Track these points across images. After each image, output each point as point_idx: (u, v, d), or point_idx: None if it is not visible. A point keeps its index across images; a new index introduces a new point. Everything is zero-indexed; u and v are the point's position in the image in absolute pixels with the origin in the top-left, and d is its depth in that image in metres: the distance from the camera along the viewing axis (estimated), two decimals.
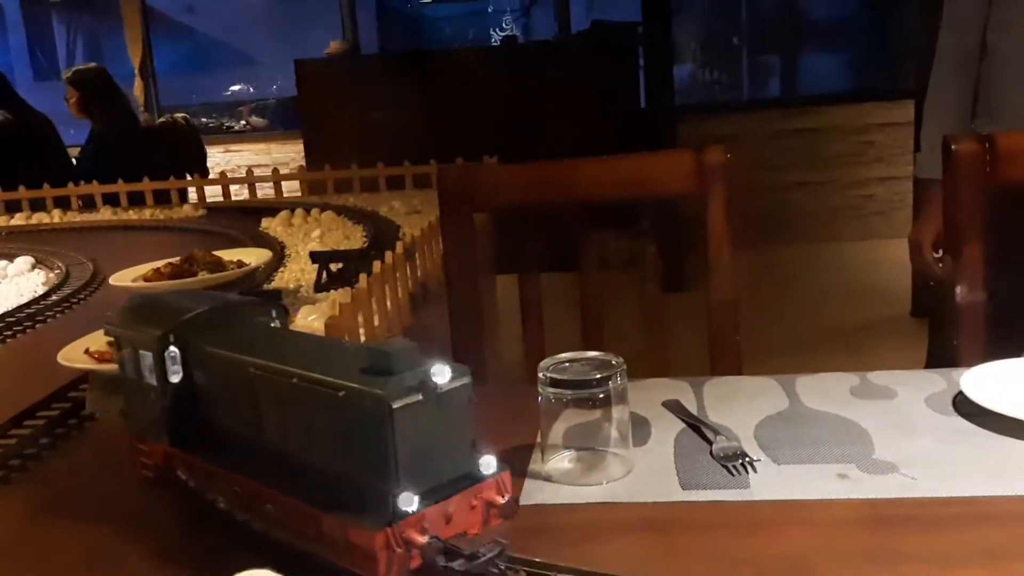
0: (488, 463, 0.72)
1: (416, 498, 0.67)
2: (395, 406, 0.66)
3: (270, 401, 0.77)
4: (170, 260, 1.58)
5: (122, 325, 0.90)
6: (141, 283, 1.54)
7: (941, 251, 1.81)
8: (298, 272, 2.11)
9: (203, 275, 1.48)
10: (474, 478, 0.71)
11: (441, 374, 0.69)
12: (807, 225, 5.85)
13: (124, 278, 1.57)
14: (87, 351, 1.15)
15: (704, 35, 7.06)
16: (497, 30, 7.30)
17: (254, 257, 1.58)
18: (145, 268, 1.59)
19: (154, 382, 0.85)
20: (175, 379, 0.85)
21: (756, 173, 5.62)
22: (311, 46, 6.11)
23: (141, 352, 0.85)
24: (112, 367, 1.03)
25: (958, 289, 1.39)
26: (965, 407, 1.00)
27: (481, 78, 5.48)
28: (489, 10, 7.38)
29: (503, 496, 0.72)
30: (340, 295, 1.74)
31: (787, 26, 6.96)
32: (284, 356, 0.78)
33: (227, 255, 1.57)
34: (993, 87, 1.77)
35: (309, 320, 1.69)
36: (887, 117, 5.68)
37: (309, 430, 0.74)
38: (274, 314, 0.90)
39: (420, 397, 0.67)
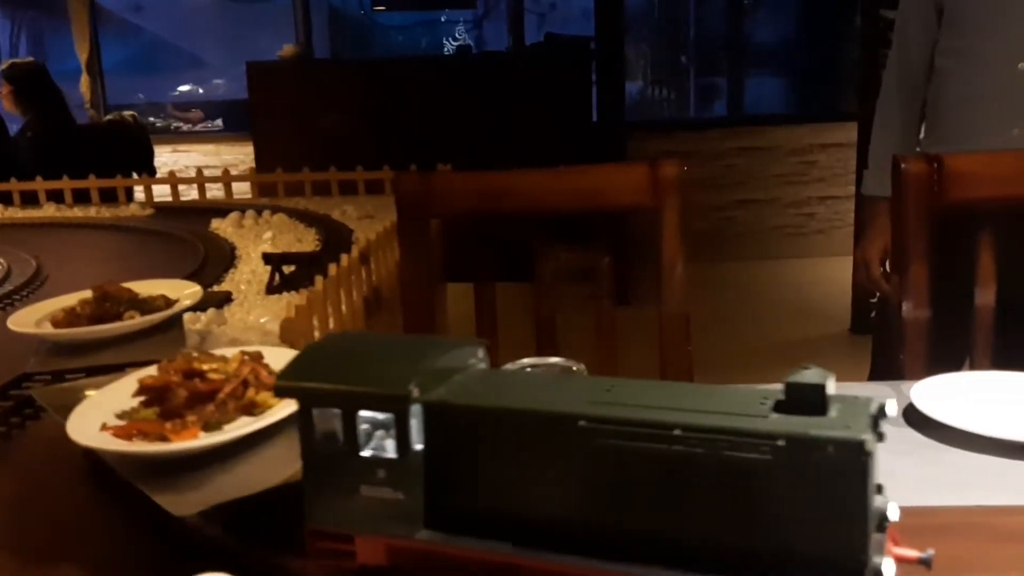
0: (894, 508, 0.58)
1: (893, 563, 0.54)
2: (871, 451, 0.52)
3: (618, 465, 0.58)
4: (82, 297, 1.30)
5: (318, 380, 0.65)
6: (49, 329, 1.24)
7: (888, 267, 1.85)
8: (249, 274, 2.09)
9: (130, 316, 1.23)
10: (881, 527, 0.58)
11: (890, 406, 0.56)
12: (749, 242, 5.95)
13: (26, 321, 1.26)
14: (104, 427, 0.91)
15: (654, 54, 7.14)
16: (450, 40, 7.31)
17: (175, 290, 1.33)
18: (52, 306, 1.30)
19: (389, 453, 0.63)
20: (418, 447, 0.64)
21: (701, 190, 5.70)
22: (262, 50, 6.05)
23: (363, 414, 0.63)
24: (148, 447, 0.86)
25: (904, 306, 1.43)
26: (915, 418, 1.02)
27: (434, 87, 5.48)
28: (442, 20, 7.39)
29: (900, 544, 0.59)
30: (295, 297, 1.73)
31: (734, 48, 7.08)
32: (616, 403, 0.59)
33: (142, 288, 1.31)
34: (940, 109, 1.82)
35: (262, 322, 1.67)
36: (829, 138, 5.81)
37: (701, 496, 0.56)
38: (480, 354, 0.71)
39: (875, 437, 0.54)
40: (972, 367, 1.42)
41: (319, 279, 1.72)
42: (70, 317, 1.24)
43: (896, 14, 1.91)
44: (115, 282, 1.32)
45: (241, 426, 0.87)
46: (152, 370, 0.97)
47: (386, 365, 0.65)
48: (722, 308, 4.74)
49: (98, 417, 0.91)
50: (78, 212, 3.11)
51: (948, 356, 1.52)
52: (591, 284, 1.53)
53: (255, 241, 2.43)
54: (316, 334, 1.63)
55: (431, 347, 0.68)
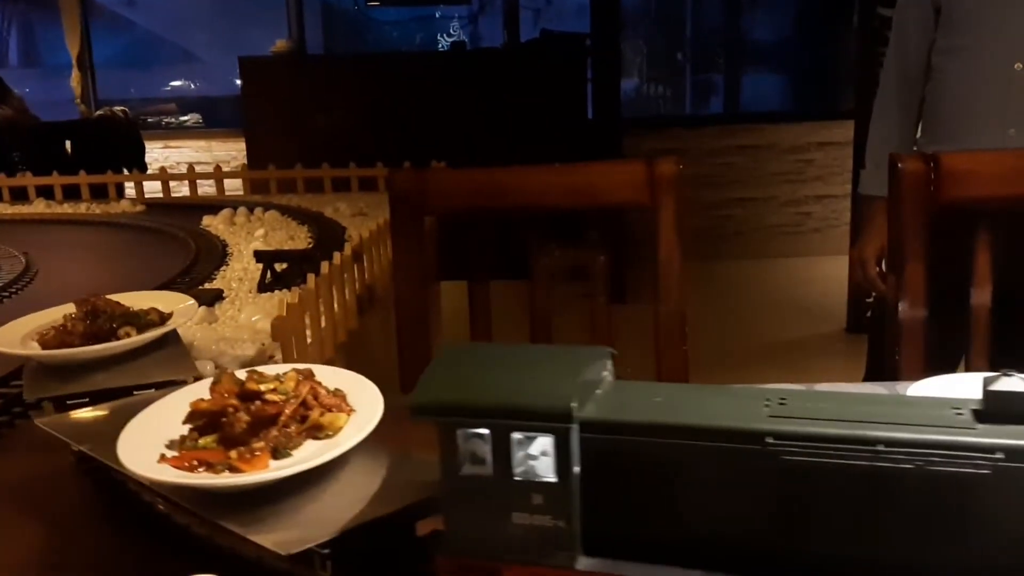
0: None
1: None
2: None
3: (808, 483, 0.54)
4: (65, 311, 1.17)
5: (462, 398, 0.60)
6: (38, 349, 1.10)
7: (884, 266, 1.84)
8: (240, 272, 2.08)
9: (126, 333, 1.11)
10: None
11: None
12: (746, 241, 5.94)
13: (10, 340, 1.13)
14: (163, 458, 0.80)
15: (650, 51, 7.13)
16: (445, 35, 7.29)
17: (166, 302, 1.21)
18: (33, 322, 1.17)
19: (545, 476, 0.58)
20: (576, 469, 0.59)
21: (697, 188, 5.69)
22: (254, 45, 6.03)
23: (517, 437, 0.59)
24: (229, 480, 0.77)
25: (900, 305, 1.42)
26: None
27: (428, 83, 5.47)
28: (437, 15, 7.37)
29: None
30: (288, 295, 1.72)
31: (730, 45, 7.07)
32: (801, 417, 0.56)
33: (130, 300, 1.19)
34: (937, 108, 1.82)
35: (254, 320, 1.66)
36: (826, 136, 5.80)
37: (904, 513, 0.53)
38: (609, 365, 0.65)
39: None
40: (968, 368, 1.41)
41: (311, 277, 1.70)
42: (61, 335, 1.12)
43: (894, 12, 1.90)
44: (100, 293, 1.19)
45: (312, 451, 0.81)
46: (192, 392, 0.88)
47: (536, 381, 0.60)
48: (718, 307, 4.73)
49: (148, 448, 0.82)
50: (68, 208, 3.09)
51: (944, 356, 1.51)
52: (587, 282, 1.52)
53: (247, 238, 2.42)
54: (308, 332, 1.62)
55: (571, 358, 0.63)
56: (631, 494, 0.59)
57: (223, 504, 0.76)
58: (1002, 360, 1.25)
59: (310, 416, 0.84)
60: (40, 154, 4.20)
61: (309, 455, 0.79)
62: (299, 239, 2.43)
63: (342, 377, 0.91)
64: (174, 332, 1.16)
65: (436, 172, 1.97)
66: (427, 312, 1.57)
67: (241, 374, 0.88)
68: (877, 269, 1.87)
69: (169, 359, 1.10)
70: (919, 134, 1.89)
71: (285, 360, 1.50)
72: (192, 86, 7.85)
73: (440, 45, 7.21)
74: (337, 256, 1.88)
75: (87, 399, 1.02)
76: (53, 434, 0.91)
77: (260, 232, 2.47)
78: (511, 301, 1.74)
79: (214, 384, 0.86)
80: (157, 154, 6.01)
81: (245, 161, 5.54)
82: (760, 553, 0.56)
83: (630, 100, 6.58)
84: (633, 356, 1.54)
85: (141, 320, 1.14)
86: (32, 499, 0.95)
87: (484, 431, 0.59)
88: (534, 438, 0.58)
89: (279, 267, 1.99)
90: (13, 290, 1.96)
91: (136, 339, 1.10)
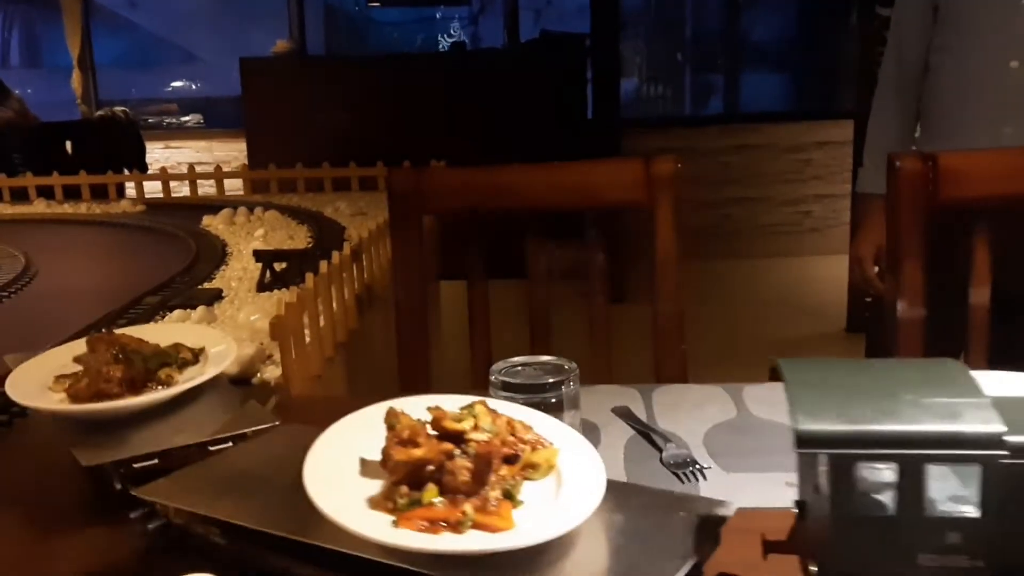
0: None
1: None
2: None
3: None
4: (75, 352, 1.01)
5: (858, 429, 0.53)
6: (66, 405, 0.94)
7: (882, 264, 1.84)
8: (240, 271, 2.08)
9: (169, 376, 0.97)
10: None
11: None
12: (745, 240, 5.94)
13: (26, 391, 0.96)
14: (396, 524, 0.68)
15: (649, 51, 7.13)
16: (445, 36, 7.29)
17: (192, 336, 1.05)
18: (47, 364, 1.01)
19: (966, 511, 0.52)
20: (1000, 502, 0.53)
21: (696, 188, 5.69)
22: (255, 46, 6.04)
23: (933, 469, 0.52)
24: (493, 543, 0.66)
25: (898, 305, 1.42)
26: None
27: (429, 83, 5.47)
28: (437, 16, 7.37)
29: None
30: (286, 294, 1.72)
31: (730, 45, 7.06)
32: None
33: (147, 333, 1.03)
34: (935, 107, 1.82)
35: (252, 320, 1.66)
36: (825, 136, 5.80)
37: None
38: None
39: None
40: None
41: (310, 276, 1.70)
42: (96, 383, 0.95)
43: (892, 11, 1.90)
44: (111, 329, 1.05)
45: (541, 494, 0.73)
46: (347, 438, 0.77)
47: (936, 404, 0.53)
48: (717, 306, 4.73)
49: (362, 512, 0.69)
50: (68, 208, 3.10)
51: (943, 356, 1.50)
52: (585, 281, 1.52)
53: (247, 238, 2.42)
54: (307, 332, 1.62)
55: (933, 374, 0.57)
56: None
57: (482, 567, 0.65)
58: (1000, 360, 1.25)
59: (522, 455, 0.75)
60: (40, 154, 4.22)
61: (540, 499, 0.72)
62: (299, 239, 2.43)
63: (504, 405, 0.82)
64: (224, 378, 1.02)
65: (435, 171, 1.97)
66: (426, 311, 1.57)
67: (414, 409, 0.76)
68: (875, 268, 1.86)
69: (228, 404, 0.97)
70: (917, 133, 1.89)
71: (283, 360, 1.50)
72: (193, 87, 7.86)
73: (440, 46, 7.21)
74: (336, 256, 1.88)
75: (155, 460, 0.88)
76: (171, 506, 0.77)
77: (260, 232, 2.47)
78: (510, 301, 1.74)
79: (393, 428, 0.73)
80: (158, 154, 6.01)
81: (246, 161, 5.54)
82: None
83: (630, 100, 6.58)
84: (633, 355, 1.54)
85: (176, 359, 1.01)
86: (29, 498, 0.96)
87: (890, 465, 0.52)
88: (953, 469, 0.52)
89: (278, 266, 1.99)
90: (13, 290, 1.96)
91: (190, 383, 0.96)
